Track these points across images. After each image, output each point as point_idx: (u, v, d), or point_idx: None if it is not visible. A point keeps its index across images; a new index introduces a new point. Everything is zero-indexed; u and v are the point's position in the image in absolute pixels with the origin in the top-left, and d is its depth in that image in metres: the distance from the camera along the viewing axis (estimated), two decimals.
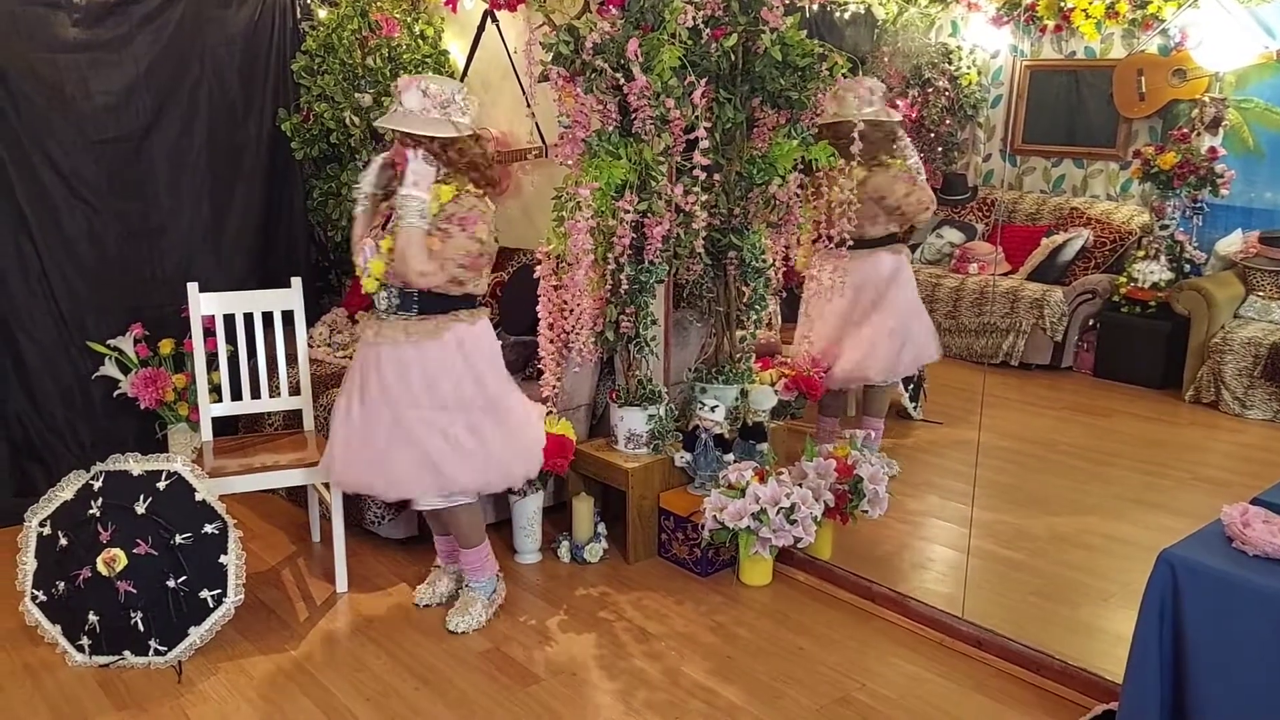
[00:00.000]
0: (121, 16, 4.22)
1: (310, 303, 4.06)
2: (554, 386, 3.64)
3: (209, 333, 3.62)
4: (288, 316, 3.69)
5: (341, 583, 3.47)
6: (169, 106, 4.40)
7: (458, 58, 4.83)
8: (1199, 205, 3.93)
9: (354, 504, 3.69)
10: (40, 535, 3.07)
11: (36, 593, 3.05)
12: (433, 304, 2.94)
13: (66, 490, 3.11)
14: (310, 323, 4.18)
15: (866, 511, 3.44)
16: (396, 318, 2.94)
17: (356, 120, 4.67)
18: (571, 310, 3.45)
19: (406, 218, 2.80)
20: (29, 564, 3.07)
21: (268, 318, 3.66)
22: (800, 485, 3.37)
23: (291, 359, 3.74)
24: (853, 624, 3.22)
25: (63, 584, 3.00)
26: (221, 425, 3.75)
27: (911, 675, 2.93)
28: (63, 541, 3.02)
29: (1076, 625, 3.12)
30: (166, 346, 4.19)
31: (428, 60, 4.75)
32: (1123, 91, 4.13)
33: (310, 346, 4.03)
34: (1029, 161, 4.47)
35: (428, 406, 2.96)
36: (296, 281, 3.67)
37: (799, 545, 3.35)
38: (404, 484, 3.02)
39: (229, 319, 3.61)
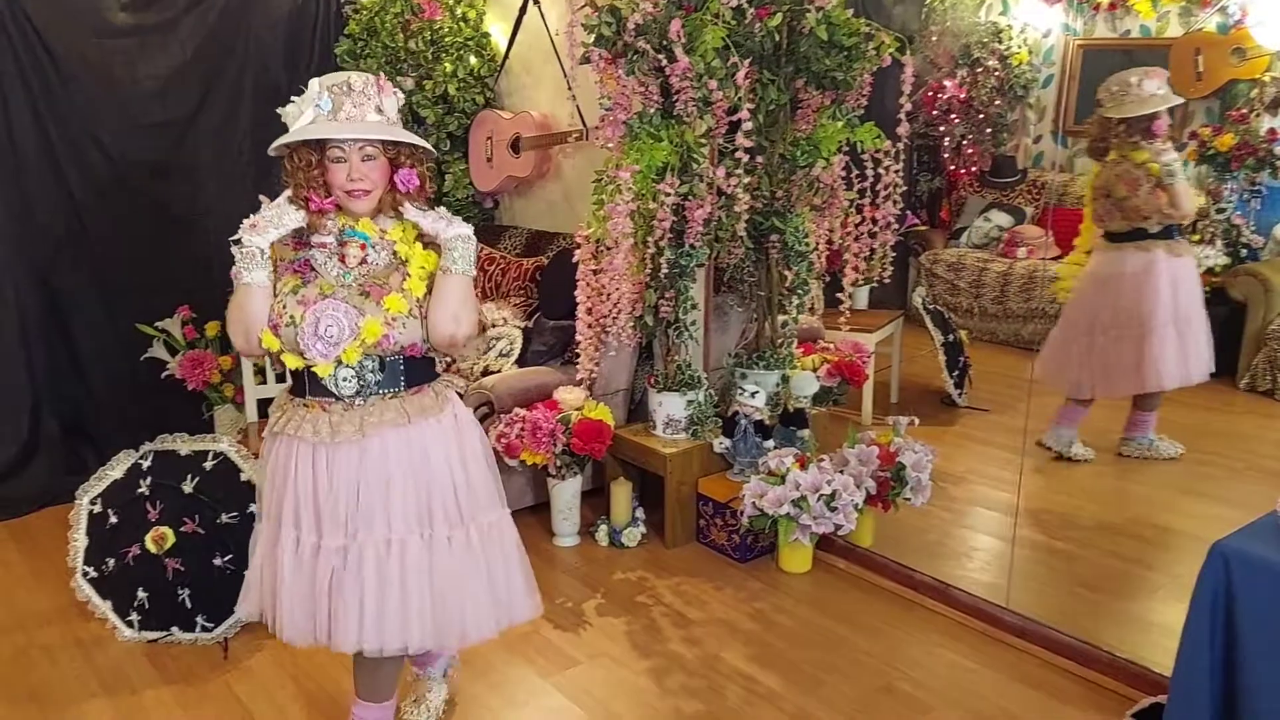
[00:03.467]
0: (168, 1, 4.26)
1: None
2: (591, 371, 3.64)
3: None
4: None
5: None
6: (214, 90, 4.44)
7: (499, 40, 4.82)
8: (1257, 188, 3.80)
9: None
10: (91, 513, 3.13)
11: (87, 569, 3.11)
12: (420, 372, 2.23)
13: (116, 469, 3.16)
14: None
15: (909, 499, 3.40)
16: (380, 397, 2.16)
17: None
18: (610, 294, 3.44)
19: (461, 265, 2.14)
20: (80, 541, 3.12)
21: None
22: (842, 472, 3.33)
23: None
24: (894, 612, 3.19)
25: (112, 561, 3.06)
26: (266, 406, 3.78)
27: (954, 665, 2.89)
28: (113, 519, 3.08)
29: (1125, 617, 3.06)
30: (213, 329, 4.24)
31: (469, 43, 4.74)
32: (1179, 71, 4.00)
33: None
34: (1081, 143, 4.36)
35: (428, 520, 2.22)
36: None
37: (840, 532, 3.31)
38: (396, 634, 2.20)
39: None
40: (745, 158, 3.25)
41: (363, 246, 2.16)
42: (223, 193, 4.49)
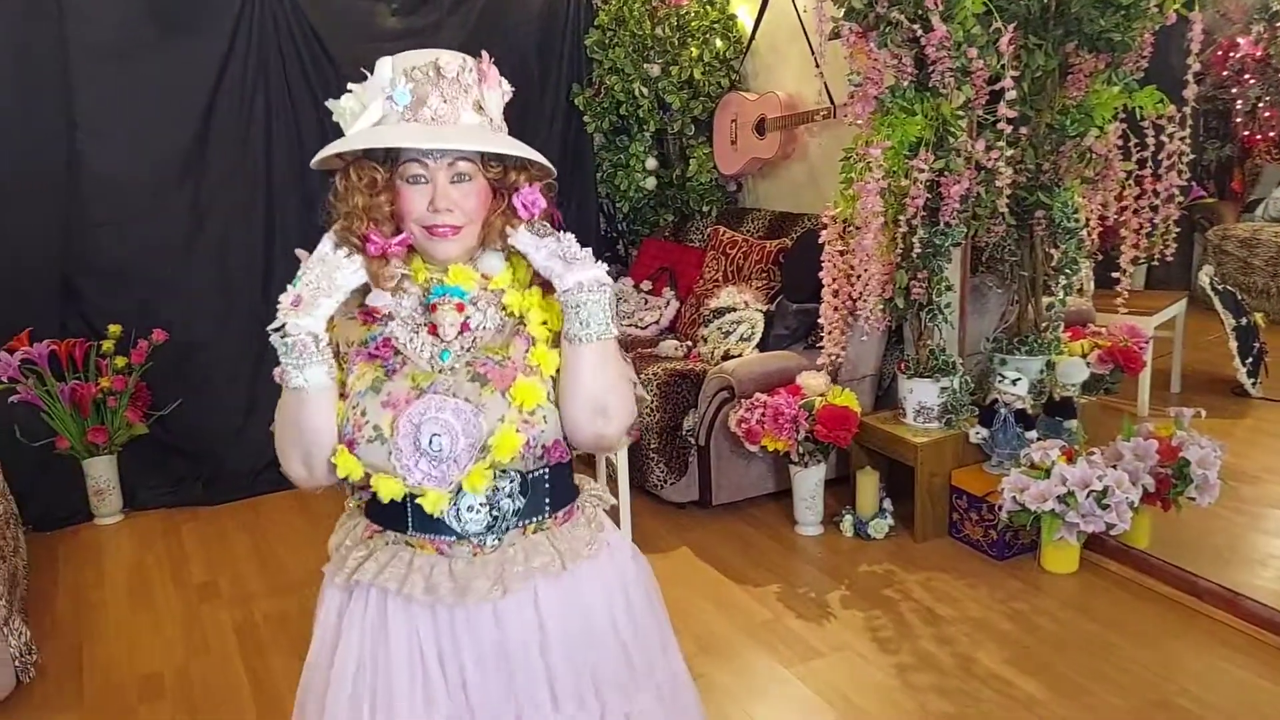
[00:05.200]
0: (434, 4, 4.53)
1: None
2: (837, 355, 3.54)
3: None
4: None
5: None
6: None
7: (745, 21, 4.78)
8: None
9: (638, 466, 3.78)
10: None
11: None
12: (568, 484, 1.56)
13: None
14: None
15: (1193, 499, 3.09)
16: (521, 531, 1.48)
17: (645, 91, 4.74)
18: (859, 276, 3.34)
19: (596, 328, 1.42)
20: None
21: None
22: (1115, 467, 3.07)
23: None
24: (1172, 621, 2.91)
25: None
26: None
27: (1243, 683, 2.60)
28: None
29: None
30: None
31: (715, 26, 4.74)
32: None
33: None
34: None
35: (595, 704, 1.52)
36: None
37: (1112, 532, 3.06)
38: None
39: None
40: (1008, 129, 3.05)
41: (460, 307, 1.45)
42: None
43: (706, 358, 4.04)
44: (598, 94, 4.90)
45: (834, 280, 3.45)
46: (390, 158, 1.42)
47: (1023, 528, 3.18)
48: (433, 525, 1.44)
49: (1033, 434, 3.35)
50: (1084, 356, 3.54)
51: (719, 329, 4.08)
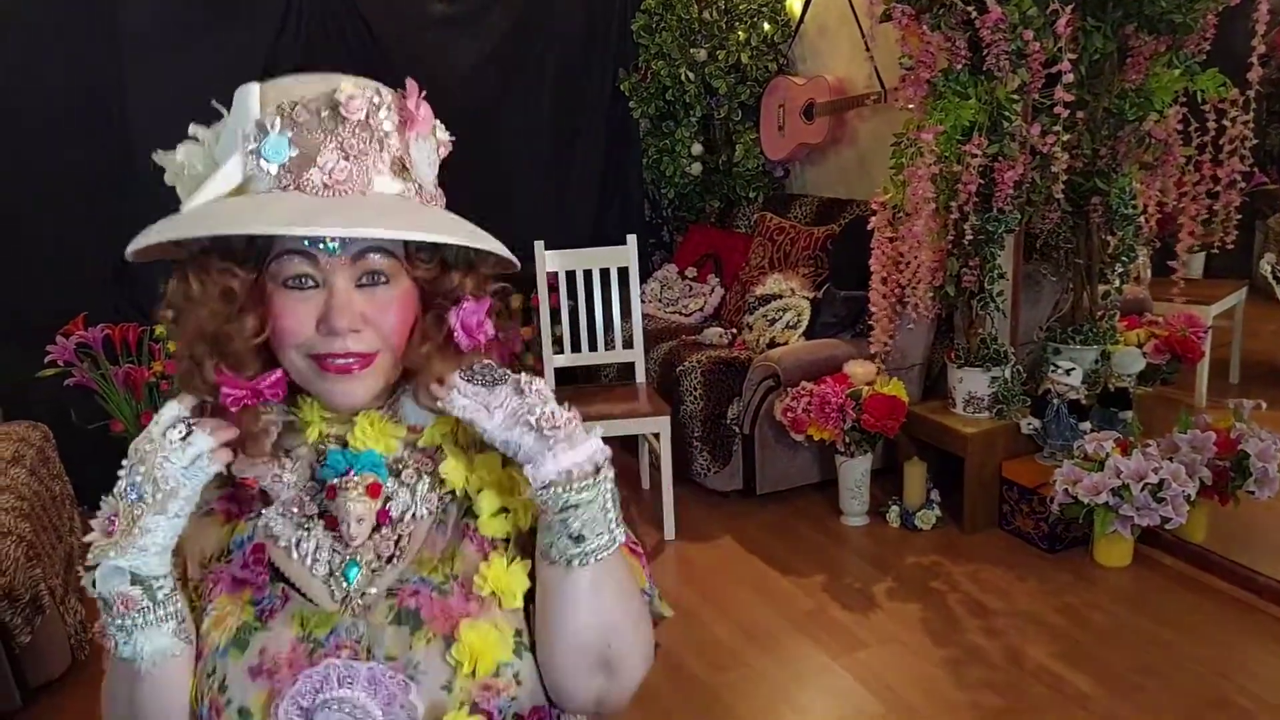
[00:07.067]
0: None
1: (642, 260, 4.16)
2: (885, 344, 3.50)
3: (553, 289, 3.81)
4: (622, 273, 3.80)
5: (670, 531, 3.55)
6: (518, 75, 4.67)
7: (794, 4, 4.73)
8: None
9: (682, 454, 3.76)
10: None
11: None
12: None
13: None
14: (642, 279, 4.28)
15: (1253, 492, 3.01)
16: None
17: (691, 75, 4.71)
18: (908, 263, 3.29)
19: (594, 540, 0.92)
20: None
21: (605, 274, 3.78)
22: (1171, 459, 3.00)
23: (625, 314, 3.85)
24: (1229, 617, 2.85)
25: None
26: (561, 375, 3.94)
27: None
28: None
29: None
30: (516, 301, 4.47)
31: (763, 9, 4.69)
32: None
33: (642, 302, 4.13)
34: None
35: None
36: (631, 239, 3.76)
37: (1167, 526, 2.99)
38: None
39: (570, 275, 3.77)
40: (1064, 113, 2.98)
41: (375, 489, 0.93)
42: (524, 173, 4.76)
43: (752, 345, 4.01)
44: (644, 79, 4.87)
45: (883, 267, 3.40)
46: (258, 249, 0.90)
47: (1075, 520, 3.12)
48: None
49: (1086, 425, 3.28)
50: (1140, 346, 3.46)
51: (764, 316, 4.04)
